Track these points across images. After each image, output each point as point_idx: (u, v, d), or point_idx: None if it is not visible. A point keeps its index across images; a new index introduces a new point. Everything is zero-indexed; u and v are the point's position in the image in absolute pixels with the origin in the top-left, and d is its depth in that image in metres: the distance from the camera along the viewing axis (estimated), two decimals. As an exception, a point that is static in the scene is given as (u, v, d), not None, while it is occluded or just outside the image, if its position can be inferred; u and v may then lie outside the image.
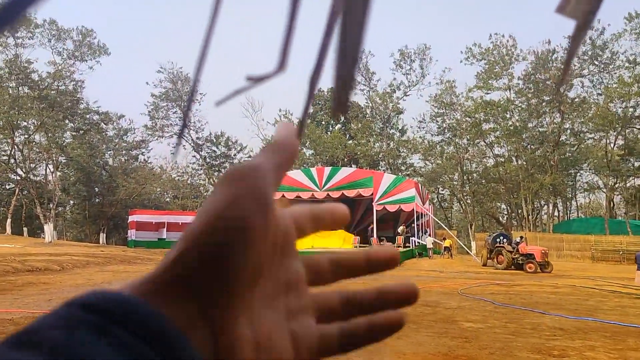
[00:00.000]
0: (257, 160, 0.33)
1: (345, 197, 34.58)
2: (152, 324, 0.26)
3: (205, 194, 65.46)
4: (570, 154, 50.24)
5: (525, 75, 48.17)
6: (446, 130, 52.71)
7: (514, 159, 50.43)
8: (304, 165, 53.09)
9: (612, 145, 45.26)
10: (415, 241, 31.71)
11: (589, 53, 45.60)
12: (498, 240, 25.76)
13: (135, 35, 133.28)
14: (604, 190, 48.12)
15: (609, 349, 6.78)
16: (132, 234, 46.75)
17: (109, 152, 60.15)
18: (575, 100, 47.39)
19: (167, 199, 66.70)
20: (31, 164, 49.91)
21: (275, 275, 0.35)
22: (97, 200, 60.43)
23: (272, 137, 0.36)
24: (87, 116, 55.48)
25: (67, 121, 51.67)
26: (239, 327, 0.30)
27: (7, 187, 59.34)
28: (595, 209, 67.40)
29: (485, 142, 50.33)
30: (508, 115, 48.30)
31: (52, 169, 50.17)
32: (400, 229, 33.09)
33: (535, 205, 52.02)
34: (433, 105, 52.55)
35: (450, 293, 13.48)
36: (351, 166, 52.07)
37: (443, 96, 51.19)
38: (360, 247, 31.30)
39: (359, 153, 53.67)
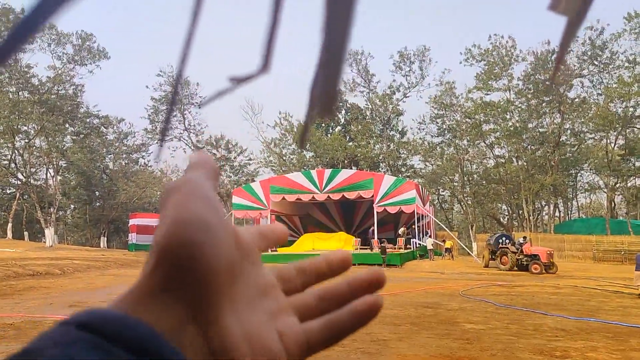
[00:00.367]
0: (189, 174, 0.35)
1: (345, 199, 34.58)
2: (144, 339, 0.27)
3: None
4: (570, 154, 50.21)
5: (525, 75, 48.17)
6: (446, 132, 52.70)
7: (514, 159, 50.39)
8: (304, 167, 53.08)
9: (612, 145, 45.24)
10: (416, 243, 31.68)
11: (589, 53, 45.60)
12: (501, 241, 25.62)
13: (134, 39, 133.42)
14: (605, 190, 48.08)
15: (611, 349, 6.76)
16: (132, 238, 46.77)
17: (109, 156, 60.24)
18: (575, 100, 47.39)
19: (168, 202, 66.62)
20: (32, 169, 49.96)
21: (249, 280, 0.36)
22: (97, 204, 60.48)
23: (190, 160, 0.37)
24: (87, 120, 55.52)
25: (67, 125, 51.72)
26: (229, 326, 0.31)
27: (8, 191, 59.37)
28: (596, 209, 67.36)
29: (485, 143, 50.32)
30: (508, 116, 48.29)
31: (52, 173, 50.19)
32: (401, 230, 33.05)
33: (536, 206, 51.99)
34: (433, 106, 52.57)
35: (451, 294, 13.46)
36: (351, 168, 52.04)
37: (443, 97, 51.19)
38: (361, 249, 31.31)
39: (359, 155, 53.65)
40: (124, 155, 61.73)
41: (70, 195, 59.01)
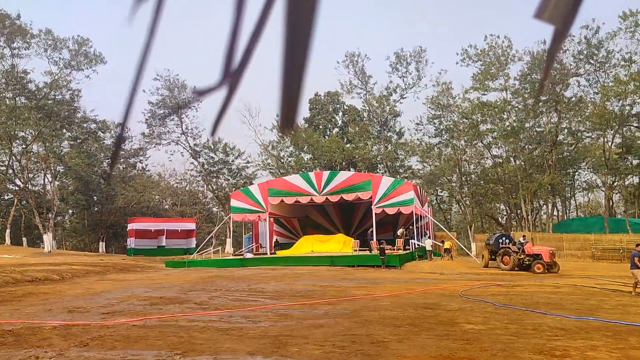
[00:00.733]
0: None
1: (344, 201, 34.58)
2: None
3: (203, 200, 65.45)
4: (568, 154, 50.31)
5: (522, 75, 48.27)
6: (443, 132, 52.77)
7: (512, 159, 50.48)
8: (302, 169, 53.09)
9: (609, 143, 45.33)
10: (414, 243, 31.70)
11: (585, 52, 45.68)
12: (501, 241, 25.60)
13: (130, 43, 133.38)
14: (603, 188, 48.15)
15: (611, 348, 6.77)
16: (131, 242, 46.74)
17: (107, 161, 60.16)
18: (572, 99, 47.49)
19: (166, 207, 66.66)
20: (29, 174, 49.87)
21: None
22: (95, 209, 60.43)
23: None
24: (85, 125, 55.51)
25: (64, 130, 51.70)
26: None
27: (6, 197, 59.28)
28: (594, 208, 67.47)
29: (482, 143, 50.38)
30: (505, 116, 48.35)
31: (50, 179, 50.17)
32: (399, 231, 33.08)
33: (534, 205, 52.05)
34: (430, 107, 52.62)
35: (450, 295, 13.47)
36: (349, 170, 52.09)
37: (440, 98, 51.26)
38: (360, 250, 31.31)
39: (357, 156, 53.69)
40: (122, 160, 61.66)
41: (68, 201, 58.96)
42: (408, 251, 30.62)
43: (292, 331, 8.10)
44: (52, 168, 48.92)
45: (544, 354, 6.42)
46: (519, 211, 50.30)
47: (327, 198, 33.71)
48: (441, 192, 58.67)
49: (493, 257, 26.06)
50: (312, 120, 59.11)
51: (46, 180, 52.34)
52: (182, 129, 55.57)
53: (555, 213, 56.69)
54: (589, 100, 46.92)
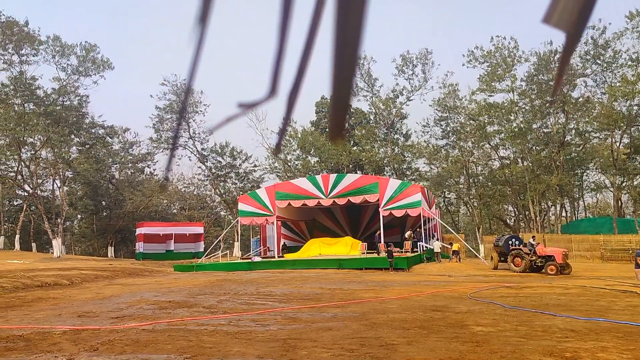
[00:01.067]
0: None
1: (351, 204, 34.57)
2: None
3: (211, 204, 65.60)
4: (576, 154, 50.08)
5: (528, 76, 48.15)
6: (450, 134, 52.70)
7: (519, 160, 50.32)
8: (309, 173, 53.12)
9: (617, 144, 45.11)
10: (422, 246, 31.62)
11: (592, 52, 45.52)
12: (510, 242, 25.42)
13: (138, 49, 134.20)
14: (611, 189, 47.89)
15: (621, 349, 6.73)
16: (140, 247, 46.91)
17: (115, 166, 60.50)
18: (579, 100, 47.30)
19: (174, 211, 66.89)
20: (38, 180, 50.25)
21: None
22: (104, 213, 60.71)
23: None
24: (93, 130, 55.83)
25: (72, 136, 52.04)
26: None
27: (15, 203, 59.72)
28: (603, 209, 67.02)
29: (490, 144, 50.27)
30: (512, 117, 48.24)
31: (59, 184, 50.48)
32: (407, 234, 33.01)
33: (543, 207, 51.82)
34: (436, 109, 52.61)
35: (459, 297, 13.42)
36: (356, 172, 52.07)
37: (446, 100, 51.23)
38: (367, 253, 31.26)
39: (363, 159, 53.69)
40: (130, 165, 62.00)
41: (77, 206, 59.28)
42: (416, 253, 30.55)
43: (300, 334, 8.10)
44: (61, 173, 49.22)
45: (554, 356, 6.39)
46: (527, 212, 50.09)
47: (334, 201, 33.70)
48: (449, 194, 58.54)
49: (502, 258, 25.90)
50: (319, 124, 59.17)
51: (55, 185, 52.69)
52: (190, 134, 55.84)
53: (563, 214, 56.44)
54: (596, 101, 46.74)
